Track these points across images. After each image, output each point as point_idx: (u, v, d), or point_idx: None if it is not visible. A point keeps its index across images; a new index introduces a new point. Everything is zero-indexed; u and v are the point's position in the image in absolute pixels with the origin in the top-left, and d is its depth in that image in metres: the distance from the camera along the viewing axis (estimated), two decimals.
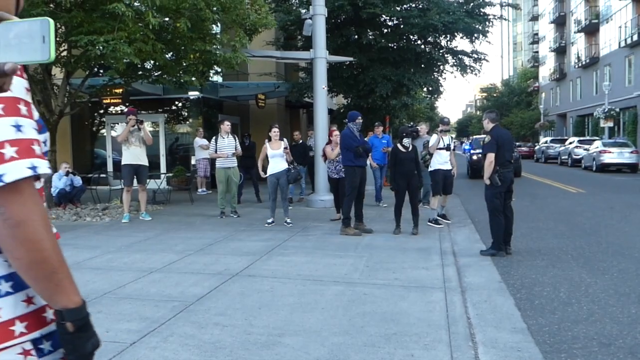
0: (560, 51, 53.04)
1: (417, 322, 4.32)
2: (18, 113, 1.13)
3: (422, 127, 10.99)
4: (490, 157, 6.93)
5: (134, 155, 9.93)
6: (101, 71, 12.70)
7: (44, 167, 1.14)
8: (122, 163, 10.01)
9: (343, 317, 4.45)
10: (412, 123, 21.93)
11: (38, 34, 0.79)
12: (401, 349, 3.77)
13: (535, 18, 68.60)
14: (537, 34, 67.51)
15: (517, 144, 26.43)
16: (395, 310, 4.62)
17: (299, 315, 4.51)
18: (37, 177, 1.16)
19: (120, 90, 14.64)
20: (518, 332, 4.16)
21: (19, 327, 1.17)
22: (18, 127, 1.12)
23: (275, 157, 9.27)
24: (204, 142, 14.45)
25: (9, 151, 1.09)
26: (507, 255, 6.92)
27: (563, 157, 30.44)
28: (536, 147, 38.71)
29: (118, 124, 17.19)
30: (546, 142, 36.46)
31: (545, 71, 59.67)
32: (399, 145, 8.57)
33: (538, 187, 17.14)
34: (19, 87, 1.13)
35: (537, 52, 66.78)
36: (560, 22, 53.13)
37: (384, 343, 3.88)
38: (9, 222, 1.10)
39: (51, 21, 0.79)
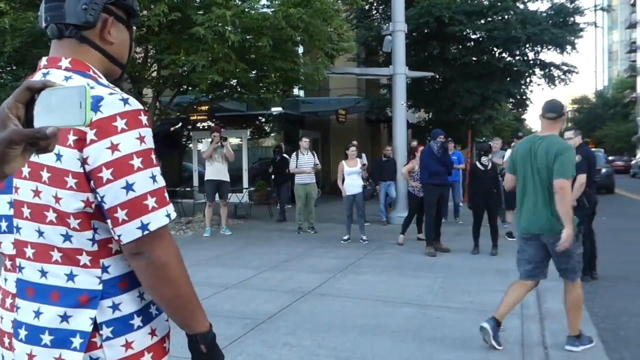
0: None
1: (490, 350, 4.17)
2: (152, 164, 1.28)
3: (496, 143, 10.71)
4: (582, 178, 6.10)
5: (217, 171, 10.27)
6: (190, 89, 13.25)
7: (173, 212, 1.31)
8: (205, 178, 10.38)
9: (412, 342, 4.38)
10: (483, 139, 21.28)
11: (76, 100, 0.86)
12: None
13: (633, 25, 65.11)
14: (634, 42, 64.01)
15: (611, 158, 24.94)
16: (467, 336, 4.48)
17: (368, 338, 4.48)
18: None
19: (206, 107, 15.23)
20: None
21: (147, 357, 1.34)
22: (154, 178, 1.27)
23: (352, 175, 9.30)
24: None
25: (151, 202, 1.25)
26: (592, 281, 6.57)
27: None
28: (632, 162, 36.52)
29: (204, 139, 17.85)
30: None
31: None
32: (477, 163, 8.37)
33: (633, 206, 16.15)
34: (149, 137, 1.28)
35: (634, 61, 63.28)
36: None
37: None
38: (154, 265, 1.26)
39: (88, 88, 0.86)
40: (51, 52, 1.40)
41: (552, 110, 4.16)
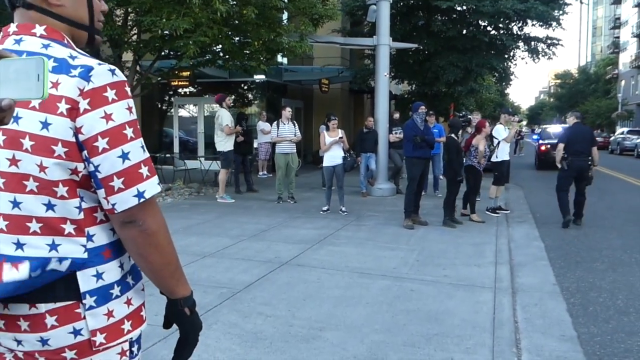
0: None
1: (462, 323, 4.25)
2: (140, 134, 1.29)
3: (476, 117, 10.70)
4: (559, 145, 8.60)
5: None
6: (171, 53, 12.93)
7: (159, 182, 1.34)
8: (229, 149, 10.69)
9: (386, 314, 4.44)
10: (463, 113, 21.35)
11: (33, 72, 0.83)
12: (441, 350, 3.73)
13: (617, 1, 65.07)
14: (619, 19, 64.15)
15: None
16: (441, 309, 4.56)
17: (342, 309, 4.53)
18: None
19: (188, 73, 15.02)
20: (567, 341, 4.02)
21: (126, 325, 1.37)
22: (143, 148, 1.29)
23: (333, 146, 9.27)
24: (267, 126, 14.61)
25: (144, 170, 1.28)
26: (579, 225, 8.62)
27: None
28: (611, 138, 36.93)
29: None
30: (622, 133, 34.72)
31: (626, 58, 56.58)
32: (453, 136, 8.52)
33: (609, 182, 16.39)
34: (134, 108, 1.28)
35: (618, 37, 63.44)
36: None
37: (424, 344, 3.84)
38: (146, 233, 1.29)
39: (46, 60, 0.83)
40: (16, 22, 1.32)
41: None
